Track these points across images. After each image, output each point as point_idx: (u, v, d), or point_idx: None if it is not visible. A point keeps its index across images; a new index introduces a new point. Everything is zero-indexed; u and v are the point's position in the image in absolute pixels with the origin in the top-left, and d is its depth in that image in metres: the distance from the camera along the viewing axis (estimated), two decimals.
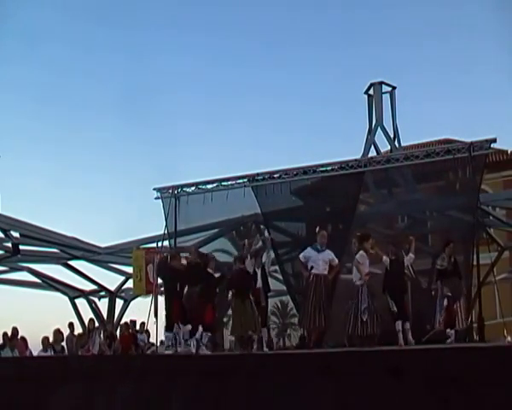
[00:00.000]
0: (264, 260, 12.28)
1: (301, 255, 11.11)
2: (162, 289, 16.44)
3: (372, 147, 18.21)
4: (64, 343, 16.66)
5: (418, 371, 7.24)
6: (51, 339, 16.02)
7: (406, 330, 10.79)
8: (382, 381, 7.26)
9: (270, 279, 14.09)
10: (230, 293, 11.73)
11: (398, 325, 10.73)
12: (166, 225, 15.65)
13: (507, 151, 25.31)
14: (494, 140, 12.77)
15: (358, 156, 16.13)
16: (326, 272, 10.90)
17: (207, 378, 8.71)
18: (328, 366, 7.94)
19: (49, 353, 15.66)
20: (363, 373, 7.51)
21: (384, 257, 11.43)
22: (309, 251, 11.06)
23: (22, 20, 41.99)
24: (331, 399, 7.59)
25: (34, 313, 30.28)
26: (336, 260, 11.06)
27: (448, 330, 11.75)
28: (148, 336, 17.32)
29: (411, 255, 11.36)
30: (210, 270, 11.96)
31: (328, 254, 11.04)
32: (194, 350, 11.15)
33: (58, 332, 16.51)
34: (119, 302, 23.36)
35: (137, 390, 9.29)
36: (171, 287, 12.05)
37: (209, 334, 11.51)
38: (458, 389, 6.87)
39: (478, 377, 6.83)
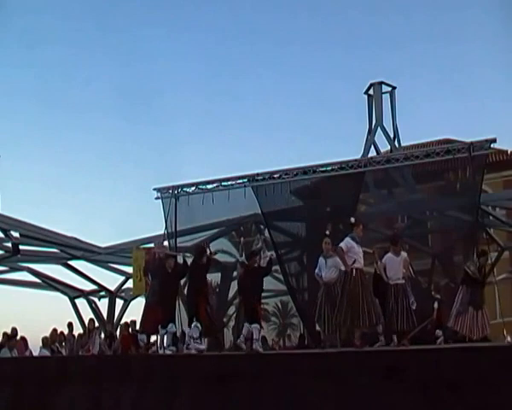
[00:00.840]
0: (260, 260, 12.23)
1: (343, 244, 10.07)
2: None
3: (372, 147, 18.23)
4: (59, 344, 16.68)
5: (418, 371, 7.24)
6: (49, 339, 16.05)
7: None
8: (383, 381, 7.26)
9: (271, 279, 14.10)
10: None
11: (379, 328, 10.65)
12: (166, 226, 15.64)
13: (507, 151, 25.29)
14: (494, 140, 12.76)
15: (358, 156, 16.14)
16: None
17: (209, 378, 8.72)
18: (328, 366, 7.94)
19: (46, 352, 15.67)
20: (363, 374, 7.51)
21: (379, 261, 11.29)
22: (350, 242, 10.10)
23: (22, 23, 42.03)
24: (332, 399, 7.60)
25: (34, 313, 30.28)
26: None
27: (437, 330, 11.76)
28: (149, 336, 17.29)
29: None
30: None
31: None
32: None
33: (54, 332, 16.54)
34: (119, 302, 23.38)
35: (139, 391, 9.30)
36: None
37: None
38: (458, 389, 6.87)
39: (478, 378, 6.84)
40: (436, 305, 12.68)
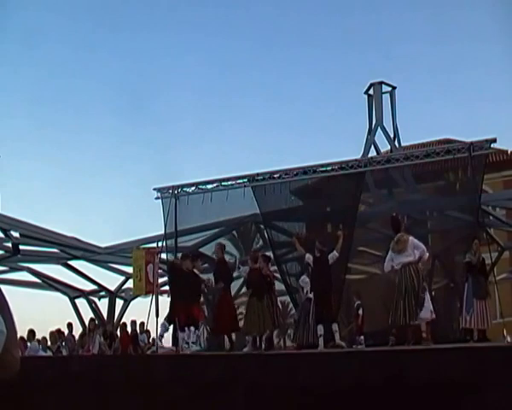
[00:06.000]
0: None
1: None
2: (161, 289, 16.50)
3: (372, 147, 18.21)
4: (60, 343, 16.71)
5: (419, 371, 7.24)
6: (49, 340, 16.10)
7: (334, 332, 10.59)
8: (384, 381, 7.26)
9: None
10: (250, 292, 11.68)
11: (321, 329, 10.54)
12: (166, 225, 15.64)
13: (507, 151, 25.30)
14: (494, 140, 12.76)
15: (358, 156, 16.13)
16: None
17: (209, 378, 8.73)
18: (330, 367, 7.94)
19: (43, 352, 15.69)
20: (364, 374, 7.51)
21: (307, 254, 11.22)
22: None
23: (22, 21, 41.95)
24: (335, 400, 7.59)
25: (34, 313, 30.25)
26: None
27: (360, 337, 11.77)
28: (149, 336, 17.32)
29: (335, 253, 11.00)
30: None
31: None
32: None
33: (56, 332, 16.57)
34: (119, 302, 23.37)
35: (139, 391, 9.29)
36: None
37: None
38: (459, 389, 6.87)
39: (478, 378, 6.83)
40: (361, 311, 12.70)
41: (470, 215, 13.12)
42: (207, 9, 50.19)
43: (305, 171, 14.55)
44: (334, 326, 10.61)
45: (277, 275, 15.34)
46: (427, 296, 9.95)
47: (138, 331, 17.56)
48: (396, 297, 9.92)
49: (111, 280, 22.85)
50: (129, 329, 17.72)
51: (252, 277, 11.74)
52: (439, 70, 49.83)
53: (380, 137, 18.23)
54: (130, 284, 20.16)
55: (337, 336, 10.52)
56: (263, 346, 11.43)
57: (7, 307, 2.01)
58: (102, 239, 21.84)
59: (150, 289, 15.53)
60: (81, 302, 23.46)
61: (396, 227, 10.36)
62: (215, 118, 53.24)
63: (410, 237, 10.12)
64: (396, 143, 18.24)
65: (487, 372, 6.83)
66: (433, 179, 16.02)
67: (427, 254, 10.25)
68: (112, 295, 22.91)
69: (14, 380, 1.96)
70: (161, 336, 12.15)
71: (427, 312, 9.83)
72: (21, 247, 19.58)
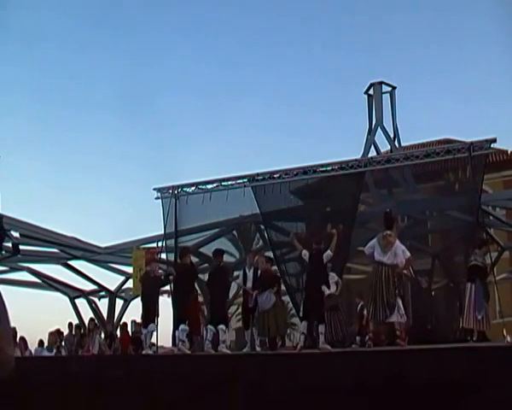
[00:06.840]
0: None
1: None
2: (161, 289, 16.46)
3: (372, 147, 18.22)
4: (60, 343, 16.72)
5: (419, 371, 7.23)
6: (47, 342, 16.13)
7: (319, 334, 10.33)
8: (384, 381, 7.26)
9: None
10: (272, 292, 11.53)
11: (304, 327, 10.37)
12: (166, 225, 15.64)
13: (507, 151, 25.28)
14: (494, 140, 12.77)
15: (358, 156, 16.14)
16: None
17: (208, 378, 8.72)
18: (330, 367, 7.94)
19: (46, 352, 15.70)
20: (364, 374, 7.50)
21: (304, 251, 10.85)
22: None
23: (21, 22, 41.93)
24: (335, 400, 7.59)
25: (34, 313, 30.25)
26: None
27: (366, 337, 11.73)
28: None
29: (329, 252, 10.44)
30: None
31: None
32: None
33: (55, 332, 16.58)
34: (119, 302, 23.38)
35: (139, 391, 9.29)
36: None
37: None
38: (459, 389, 6.86)
39: (478, 378, 6.83)
40: (365, 312, 12.07)
41: (470, 215, 13.12)
42: (208, 10, 50.24)
43: (305, 171, 14.57)
44: (321, 328, 10.32)
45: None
46: (399, 302, 9.60)
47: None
48: (369, 297, 9.85)
49: (111, 280, 22.89)
50: (129, 329, 17.69)
51: (268, 276, 11.68)
52: (439, 70, 49.86)
53: (380, 137, 18.24)
54: (130, 284, 20.20)
55: (322, 338, 10.24)
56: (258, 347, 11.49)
57: (2, 306, 2.00)
58: (102, 239, 21.89)
59: None
60: (81, 302, 23.49)
61: (388, 224, 10.03)
62: (215, 118, 53.33)
63: (397, 242, 9.80)
64: (396, 143, 18.25)
65: (487, 372, 6.82)
66: (433, 179, 16.04)
67: (406, 261, 9.83)
68: (112, 295, 22.92)
69: (10, 379, 1.96)
70: (183, 341, 11.56)
71: (396, 315, 9.53)
72: (21, 247, 19.57)
